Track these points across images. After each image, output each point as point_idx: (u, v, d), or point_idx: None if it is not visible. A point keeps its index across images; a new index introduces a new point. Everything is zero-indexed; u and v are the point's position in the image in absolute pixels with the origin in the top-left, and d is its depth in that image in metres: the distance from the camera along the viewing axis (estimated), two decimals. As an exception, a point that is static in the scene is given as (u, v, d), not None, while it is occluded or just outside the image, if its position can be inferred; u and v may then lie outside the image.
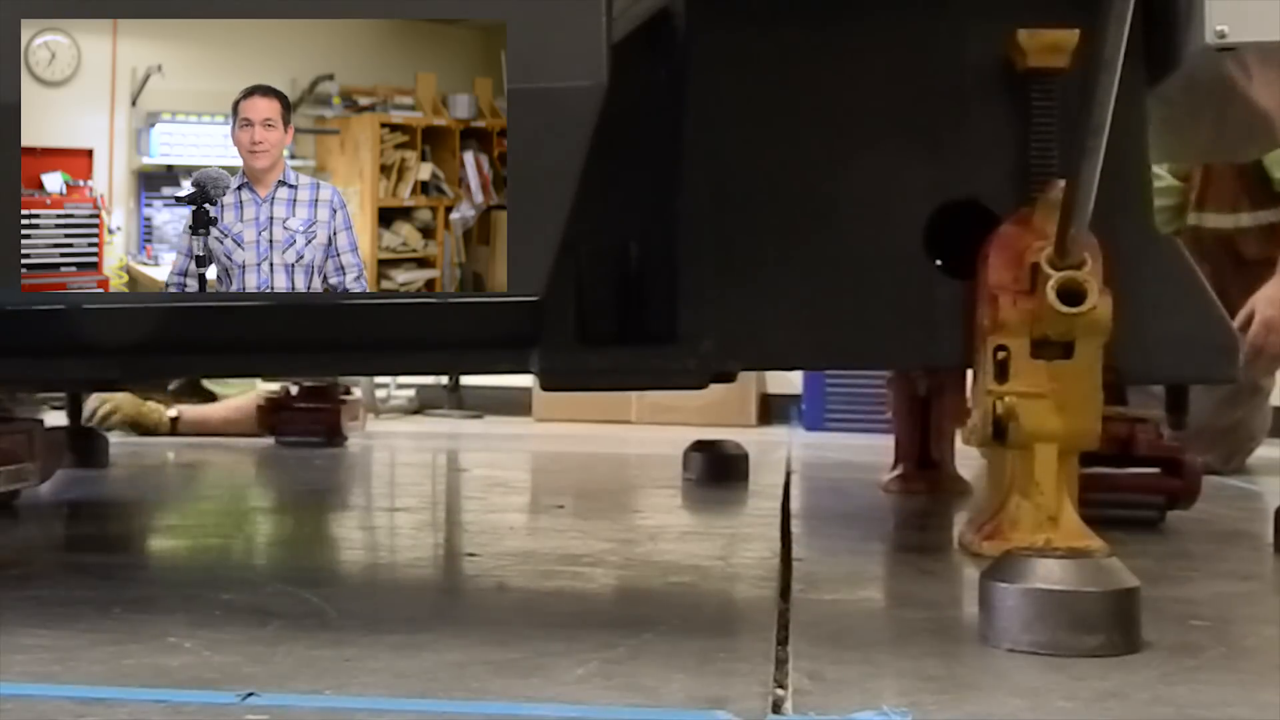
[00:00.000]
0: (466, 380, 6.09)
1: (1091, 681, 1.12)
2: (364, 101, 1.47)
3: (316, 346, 1.75)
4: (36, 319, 1.47)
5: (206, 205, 1.44)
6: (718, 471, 2.89)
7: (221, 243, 1.44)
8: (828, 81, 1.83)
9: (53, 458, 2.23)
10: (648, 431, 5.01)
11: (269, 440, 3.84)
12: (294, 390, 3.84)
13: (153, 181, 1.48)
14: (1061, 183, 1.63)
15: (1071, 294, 1.63)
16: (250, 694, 1.04)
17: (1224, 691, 1.11)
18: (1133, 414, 2.24)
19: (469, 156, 1.45)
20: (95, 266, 1.46)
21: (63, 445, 2.41)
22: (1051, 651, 1.20)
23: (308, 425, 3.74)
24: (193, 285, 1.44)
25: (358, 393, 4.10)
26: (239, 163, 1.44)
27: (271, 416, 3.84)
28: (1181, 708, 1.06)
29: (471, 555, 1.91)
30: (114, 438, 3.41)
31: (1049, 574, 1.22)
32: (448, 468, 3.53)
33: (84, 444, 2.94)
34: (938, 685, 1.11)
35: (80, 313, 1.48)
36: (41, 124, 1.41)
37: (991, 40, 1.79)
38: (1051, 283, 1.63)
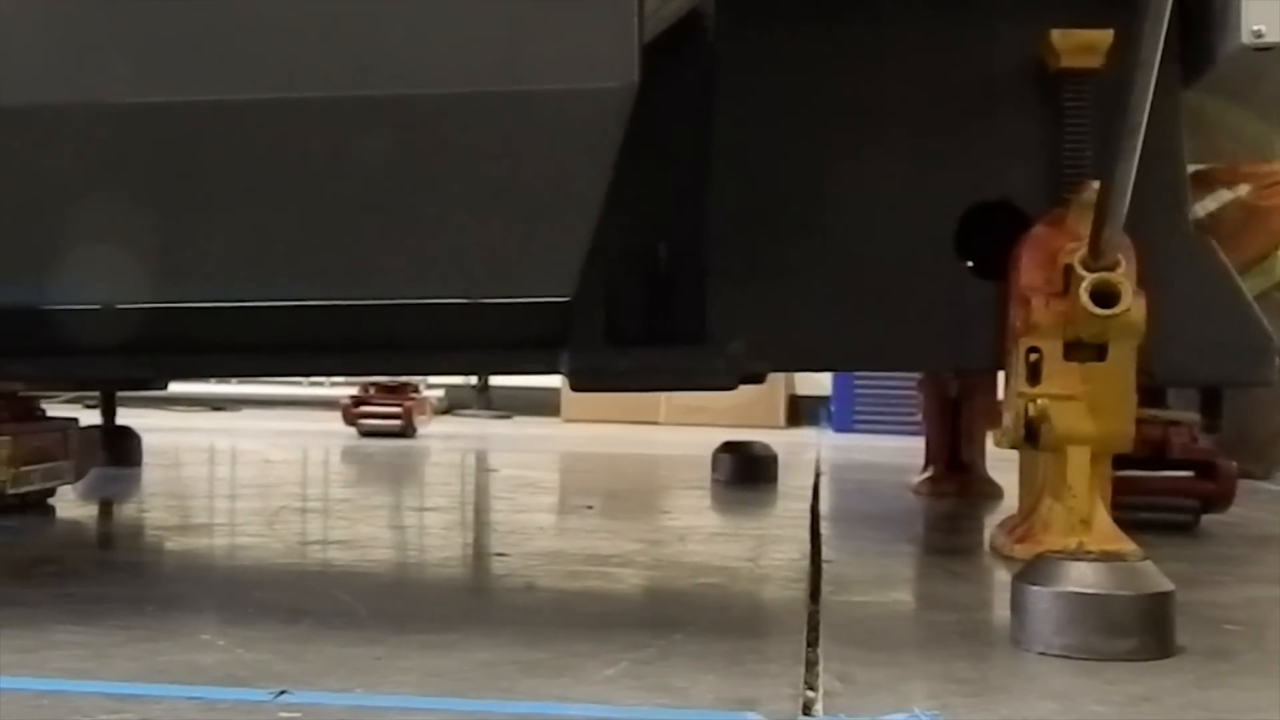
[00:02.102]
0: (495, 381, 6.10)
1: (1124, 686, 1.11)
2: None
3: (348, 346, 1.76)
4: (67, 319, 1.48)
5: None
6: (746, 473, 2.89)
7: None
8: (857, 82, 1.83)
9: (87, 456, 2.25)
10: (676, 433, 5.00)
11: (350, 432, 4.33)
12: (371, 390, 4.41)
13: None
14: (1095, 184, 1.62)
15: (1105, 295, 1.62)
16: (283, 692, 1.04)
17: (1258, 696, 1.10)
18: (1167, 416, 2.22)
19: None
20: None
21: (97, 443, 2.43)
22: (1084, 655, 1.19)
23: (385, 420, 4.32)
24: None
25: (426, 392, 4.68)
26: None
27: (353, 412, 4.39)
28: (1215, 713, 1.05)
29: (501, 555, 1.91)
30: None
31: (1082, 577, 1.22)
32: (477, 468, 3.54)
33: (118, 442, 2.97)
34: (968, 688, 1.11)
35: (112, 313, 1.49)
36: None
37: (1023, 41, 1.78)
38: (1085, 284, 1.62)
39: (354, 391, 4.48)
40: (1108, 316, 1.62)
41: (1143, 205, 1.60)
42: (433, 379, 6.03)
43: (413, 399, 4.39)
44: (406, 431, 4.31)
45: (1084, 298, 1.62)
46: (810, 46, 1.83)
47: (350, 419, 4.37)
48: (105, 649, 1.19)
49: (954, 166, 1.81)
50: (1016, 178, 1.80)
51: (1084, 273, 1.63)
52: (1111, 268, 1.62)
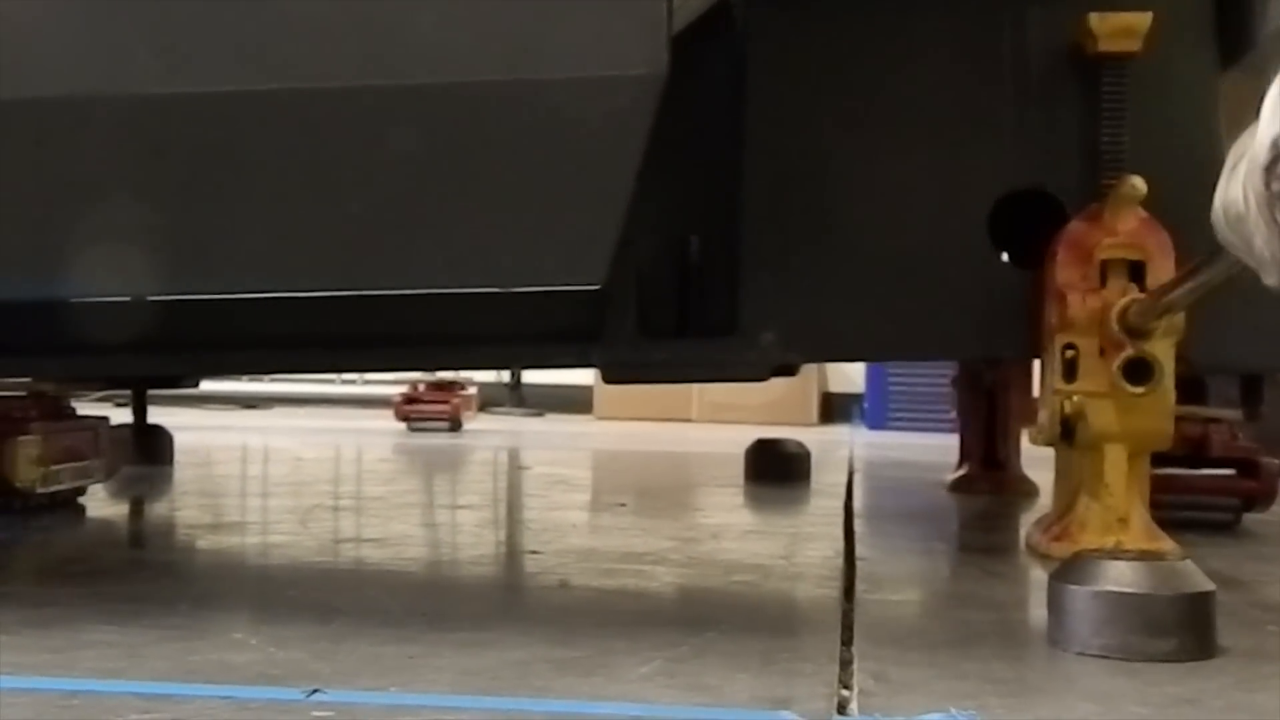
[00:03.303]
0: (527, 378, 6.11)
1: (1164, 687, 1.09)
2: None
3: (380, 341, 1.76)
4: (98, 315, 1.48)
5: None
6: (779, 470, 2.88)
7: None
8: (889, 70, 1.81)
9: (118, 454, 2.26)
10: (708, 430, 5.00)
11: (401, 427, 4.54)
12: (421, 387, 4.63)
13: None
14: (1134, 179, 1.61)
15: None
16: (316, 691, 1.04)
17: (1303, 698, 1.08)
18: (1207, 413, 2.19)
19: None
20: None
21: (127, 442, 2.44)
22: (1123, 656, 1.17)
23: (434, 415, 4.55)
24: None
25: (472, 389, 4.89)
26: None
27: (405, 409, 4.59)
28: (1258, 715, 1.03)
29: (534, 553, 1.91)
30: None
31: (1120, 576, 1.20)
32: (509, 465, 3.54)
33: (149, 440, 2.98)
34: (1005, 688, 1.09)
35: (141, 308, 1.49)
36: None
37: (1060, 24, 1.75)
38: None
39: (404, 389, 4.69)
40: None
41: (1180, 188, 1.58)
42: (465, 376, 6.06)
43: (459, 396, 4.61)
44: (454, 426, 4.54)
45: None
46: (842, 35, 1.81)
47: (402, 415, 4.57)
48: (137, 648, 1.19)
49: (987, 155, 1.79)
50: (1051, 166, 1.78)
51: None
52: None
